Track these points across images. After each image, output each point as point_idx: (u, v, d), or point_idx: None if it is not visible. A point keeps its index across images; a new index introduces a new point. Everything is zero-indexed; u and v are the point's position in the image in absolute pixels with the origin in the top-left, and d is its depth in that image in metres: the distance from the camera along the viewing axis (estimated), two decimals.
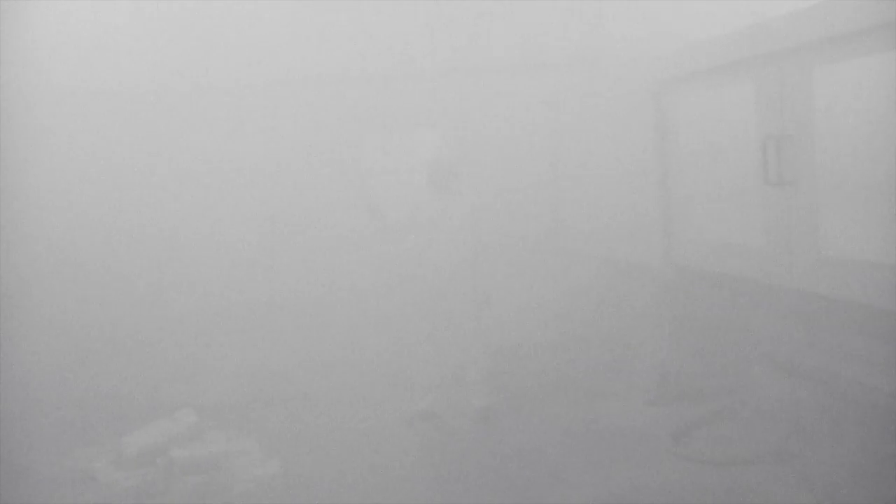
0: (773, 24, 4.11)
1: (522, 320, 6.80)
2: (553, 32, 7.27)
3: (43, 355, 6.17)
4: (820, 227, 3.83)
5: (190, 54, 6.87)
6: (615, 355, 6.24)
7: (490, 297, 5.72)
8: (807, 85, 3.86)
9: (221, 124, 6.93)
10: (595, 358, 6.37)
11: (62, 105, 6.52)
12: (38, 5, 6.42)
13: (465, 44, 7.19)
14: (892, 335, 3.47)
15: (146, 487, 4.35)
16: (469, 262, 5.63)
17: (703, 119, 4.78)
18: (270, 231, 6.88)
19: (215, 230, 6.87)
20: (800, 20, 3.86)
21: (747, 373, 4.74)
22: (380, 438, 5.09)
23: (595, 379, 5.97)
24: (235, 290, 6.71)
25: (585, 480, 4.14)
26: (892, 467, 3.47)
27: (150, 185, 6.86)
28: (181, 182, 6.91)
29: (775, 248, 4.15)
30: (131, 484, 4.41)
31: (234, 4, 6.92)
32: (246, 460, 4.69)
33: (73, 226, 6.62)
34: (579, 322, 6.79)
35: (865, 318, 3.63)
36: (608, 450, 4.55)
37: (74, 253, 6.58)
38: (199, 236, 6.85)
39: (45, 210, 6.51)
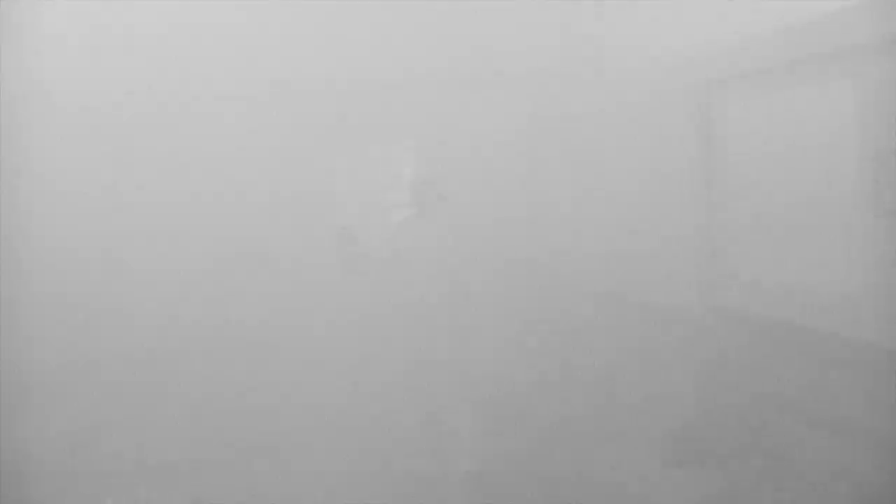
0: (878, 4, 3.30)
1: (514, 362, 5.94)
2: (547, 40, 6.45)
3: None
4: None
5: (146, 68, 6.09)
6: (626, 404, 5.38)
7: (473, 333, 4.93)
8: None
9: (183, 137, 6.14)
10: (601, 408, 5.50)
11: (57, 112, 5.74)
12: (38, 9, 5.68)
13: (451, 52, 6.39)
14: None
15: None
16: (453, 294, 4.84)
17: (759, 126, 3.96)
18: (229, 259, 6.04)
19: (166, 257, 6.04)
20: None
21: (786, 431, 3.92)
22: None
23: (602, 432, 5.11)
24: (187, 326, 5.86)
25: None
26: None
27: (112, 209, 6.05)
28: (140, 205, 6.09)
29: (836, 289, 3.31)
30: None
31: (200, 14, 6.14)
32: None
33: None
34: (583, 365, 5.93)
35: None
36: None
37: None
38: (148, 264, 6.03)
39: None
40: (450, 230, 4.92)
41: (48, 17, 5.86)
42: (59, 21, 5.88)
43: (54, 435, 4.85)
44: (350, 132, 6.51)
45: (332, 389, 6.00)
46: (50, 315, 5.58)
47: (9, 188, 5.65)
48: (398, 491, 4.51)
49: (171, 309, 5.96)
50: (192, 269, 6.02)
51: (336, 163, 6.48)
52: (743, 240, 4.06)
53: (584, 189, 5.30)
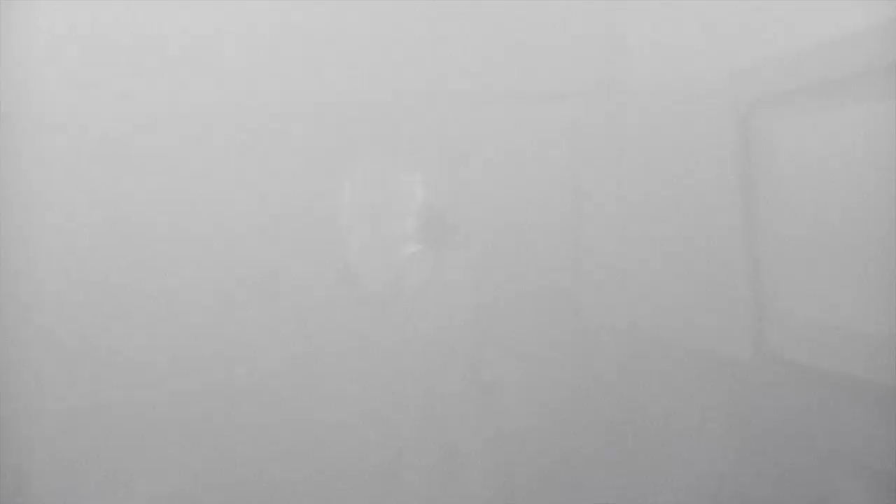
0: None
1: (535, 413, 5.41)
2: (567, 58, 5.94)
3: None
4: None
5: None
6: (650, 460, 4.86)
7: (494, 381, 4.40)
8: None
9: (171, 161, 5.61)
10: (623, 462, 4.98)
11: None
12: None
13: (462, 70, 5.89)
14: None
15: None
16: (468, 337, 4.32)
17: (803, 149, 3.46)
18: (221, 297, 5.49)
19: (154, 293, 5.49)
20: None
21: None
22: None
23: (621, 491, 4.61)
24: (176, 374, 5.29)
25: None
26: None
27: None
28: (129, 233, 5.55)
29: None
30: None
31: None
32: None
33: None
34: (608, 417, 5.40)
35: None
36: None
37: None
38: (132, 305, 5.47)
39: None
40: (464, 268, 4.38)
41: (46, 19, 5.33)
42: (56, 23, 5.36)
43: None
44: (349, 154, 5.98)
45: (337, 437, 5.45)
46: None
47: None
48: None
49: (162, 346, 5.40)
50: (178, 307, 5.48)
51: (335, 190, 5.95)
52: (794, 276, 3.55)
53: (618, 219, 4.77)
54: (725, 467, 4.23)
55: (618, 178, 4.85)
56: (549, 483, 4.97)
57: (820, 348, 3.40)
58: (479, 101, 5.95)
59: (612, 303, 5.07)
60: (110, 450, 5.16)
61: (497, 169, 5.91)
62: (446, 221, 4.50)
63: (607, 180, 5.00)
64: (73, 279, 5.27)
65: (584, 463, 5.15)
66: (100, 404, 5.06)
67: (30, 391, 4.94)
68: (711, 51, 4.22)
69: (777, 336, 3.61)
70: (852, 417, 3.33)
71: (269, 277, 5.56)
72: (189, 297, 5.53)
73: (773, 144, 3.64)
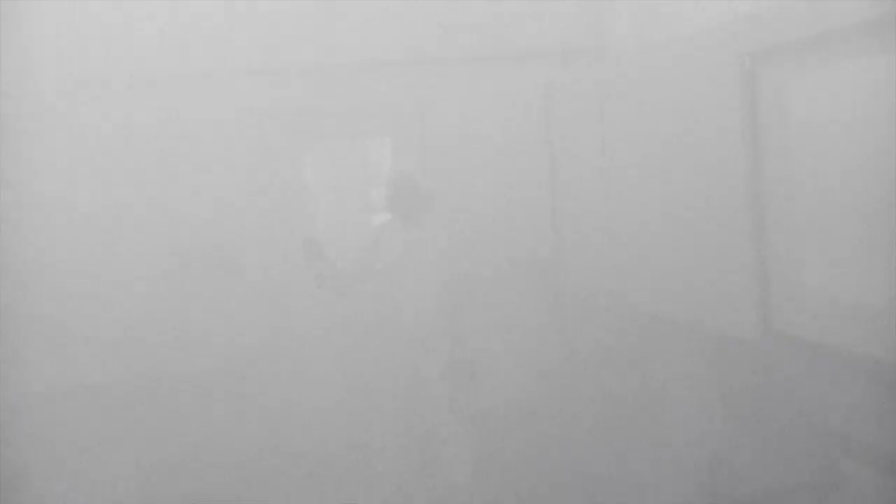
0: None
1: (516, 392, 5.11)
2: (548, 13, 5.53)
3: None
4: None
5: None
6: (642, 442, 4.61)
7: (474, 366, 4.08)
8: None
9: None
10: (613, 443, 4.72)
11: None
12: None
13: (433, 30, 5.47)
14: None
15: None
16: (444, 312, 4.00)
17: (828, 107, 3.11)
18: (179, 274, 5.08)
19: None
20: None
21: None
22: None
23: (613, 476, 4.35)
24: (135, 358, 4.88)
25: None
26: None
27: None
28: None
29: None
30: None
31: None
32: None
33: None
34: (615, 396, 5.11)
35: None
36: None
37: None
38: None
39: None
40: (438, 238, 4.03)
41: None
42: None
43: None
44: (323, 125, 5.56)
45: (310, 419, 5.11)
46: None
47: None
48: None
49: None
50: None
51: (300, 158, 5.53)
52: (802, 248, 3.22)
53: (611, 183, 4.41)
54: (723, 446, 3.96)
55: (603, 140, 4.50)
56: (532, 467, 4.69)
57: (830, 324, 3.10)
58: (453, 62, 5.54)
59: (597, 275, 4.73)
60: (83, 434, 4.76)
61: (472, 134, 5.54)
62: (419, 189, 4.14)
63: (591, 144, 4.65)
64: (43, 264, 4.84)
65: (570, 444, 4.89)
66: (72, 388, 4.63)
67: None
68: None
69: (785, 312, 3.29)
70: (861, 394, 3.04)
71: (232, 254, 5.16)
72: (148, 274, 5.13)
73: (781, 100, 3.30)
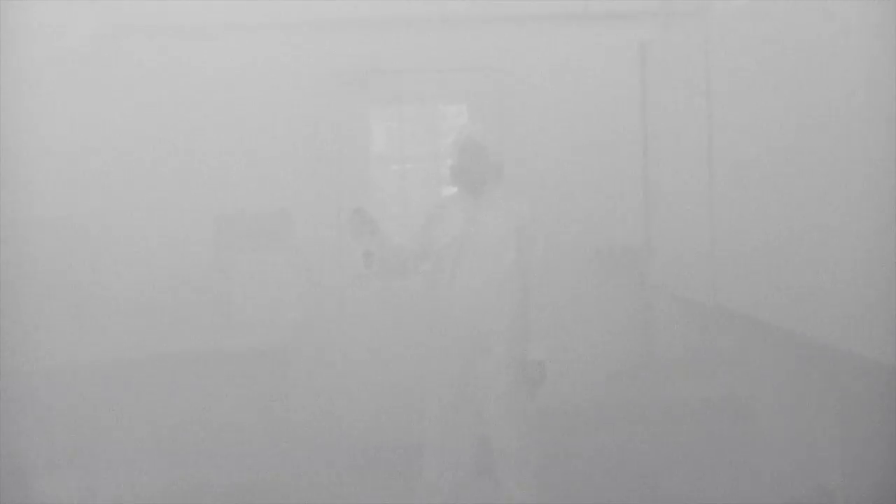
0: None
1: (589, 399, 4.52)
2: None
3: None
4: None
5: None
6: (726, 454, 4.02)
7: (544, 368, 3.46)
8: None
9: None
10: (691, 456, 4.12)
11: None
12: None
13: None
14: None
15: None
16: (512, 304, 3.48)
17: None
18: (220, 248, 4.60)
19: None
20: None
21: None
22: None
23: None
24: (164, 335, 4.42)
25: None
26: None
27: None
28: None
29: None
30: None
31: None
32: None
33: None
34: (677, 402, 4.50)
35: None
36: None
37: None
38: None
39: None
40: (509, 217, 3.46)
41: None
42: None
43: None
44: (385, 80, 4.98)
45: (348, 420, 4.60)
46: None
47: None
48: None
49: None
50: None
51: (364, 120, 4.97)
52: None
53: (716, 162, 3.66)
54: (824, 470, 3.30)
55: (707, 112, 3.76)
56: (596, 479, 4.15)
57: None
58: (536, 20, 4.91)
59: (693, 271, 4.04)
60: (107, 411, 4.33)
61: (556, 102, 4.89)
62: (487, 158, 3.54)
63: (692, 115, 3.93)
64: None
65: (639, 454, 4.39)
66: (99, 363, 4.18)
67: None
68: None
69: None
70: None
71: (280, 225, 4.66)
72: (186, 243, 4.67)
73: None
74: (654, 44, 4.47)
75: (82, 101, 4.46)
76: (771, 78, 3.16)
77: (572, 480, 4.12)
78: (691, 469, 4.11)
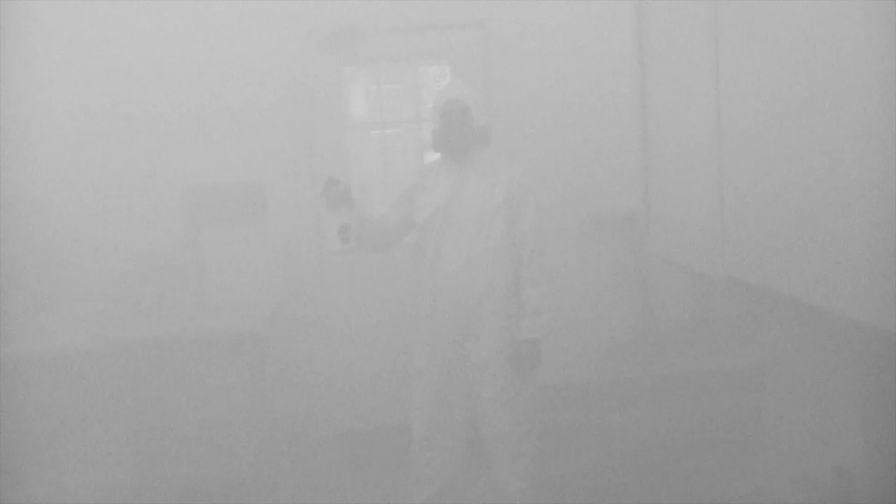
0: None
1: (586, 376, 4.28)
2: None
3: None
4: None
5: None
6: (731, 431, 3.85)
7: (539, 348, 3.17)
8: None
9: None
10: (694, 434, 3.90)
11: None
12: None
13: None
14: None
15: None
16: (503, 280, 3.23)
17: None
18: (188, 224, 4.28)
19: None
20: None
21: None
22: None
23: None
24: (127, 323, 4.11)
25: None
26: None
27: None
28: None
29: None
30: None
31: None
32: None
33: None
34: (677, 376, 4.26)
35: None
36: None
37: None
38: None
39: None
40: (498, 185, 3.18)
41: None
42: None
43: None
44: (360, 39, 4.63)
45: (327, 406, 4.32)
46: None
47: None
48: None
49: None
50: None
51: (338, 81, 4.63)
52: None
53: (720, 124, 3.35)
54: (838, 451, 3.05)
55: (715, 68, 3.42)
56: (595, 461, 3.95)
57: None
58: None
59: (694, 238, 3.74)
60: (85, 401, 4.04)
61: (545, 60, 4.56)
62: (472, 121, 3.22)
63: (697, 73, 3.60)
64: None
65: (639, 433, 4.15)
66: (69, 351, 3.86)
67: None
68: None
69: None
70: None
71: (252, 197, 4.34)
72: (156, 219, 4.36)
73: None
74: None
75: (35, 69, 4.12)
76: (785, 25, 2.84)
77: (570, 465, 3.89)
78: (696, 449, 3.94)
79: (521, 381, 3.29)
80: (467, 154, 3.28)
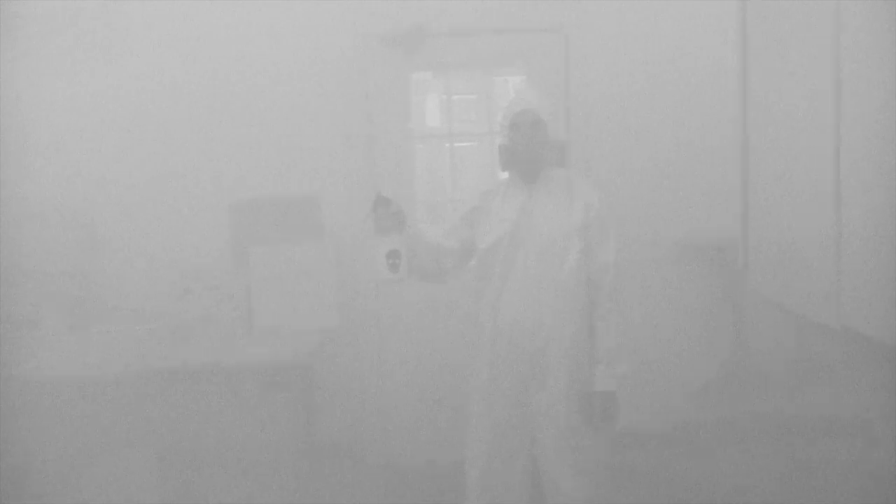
0: None
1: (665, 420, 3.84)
2: None
3: None
4: None
5: None
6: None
7: (616, 398, 2.77)
8: None
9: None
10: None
11: None
12: None
13: None
14: None
15: None
16: (577, 316, 2.83)
17: None
18: (236, 242, 3.99)
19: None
20: None
21: None
22: None
23: None
24: (170, 348, 3.82)
25: None
26: None
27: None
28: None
29: None
30: None
31: None
32: None
33: None
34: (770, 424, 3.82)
35: None
36: None
37: None
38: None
39: None
40: (578, 207, 2.81)
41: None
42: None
43: None
44: (433, 45, 4.27)
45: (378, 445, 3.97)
46: None
47: None
48: None
49: None
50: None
51: (407, 90, 4.28)
52: None
53: (836, 142, 2.84)
54: None
55: (835, 82, 2.92)
56: None
57: None
58: None
59: (796, 275, 3.26)
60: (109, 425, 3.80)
61: (632, 70, 4.12)
62: (549, 138, 2.84)
63: (813, 85, 3.10)
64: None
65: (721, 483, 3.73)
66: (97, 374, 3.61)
67: None
68: None
69: None
70: None
71: (300, 212, 4.03)
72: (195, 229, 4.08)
73: None
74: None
75: (74, 72, 3.89)
76: None
77: None
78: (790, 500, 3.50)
79: (592, 435, 2.88)
80: (539, 174, 2.89)
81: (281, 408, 3.70)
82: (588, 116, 4.07)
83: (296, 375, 3.52)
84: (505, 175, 3.03)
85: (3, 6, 3.76)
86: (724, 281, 4.11)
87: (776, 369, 4.15)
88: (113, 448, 3.63)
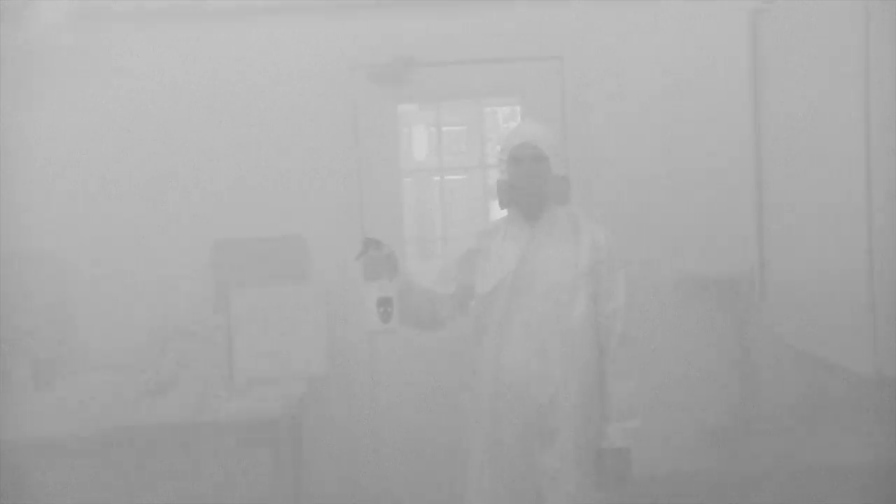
0: None
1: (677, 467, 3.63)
2: None
3: None
4: None
5: None
6: None
7: (629, 455, 2.52)
8: None
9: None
10: None
11: None
12: None
13: None
14: None
15: None
16: (583, 363, 2.60)
17: None
18: (219, 283, 3.76)
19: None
20: None
21: None
22: None
23: None
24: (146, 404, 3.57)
25: None
26: None
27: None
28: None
29: None
30: None
31: None
32: None
33: None
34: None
35: None
36: None
37: None
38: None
39: None
40: (581, 248, 2.55)
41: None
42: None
43: None
44: (418, 74, 4.06)
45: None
46: None
47: None
48: None
49: None
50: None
51: (393, 123, 4.07)
52: None
53: (863, 168, 2.63)
54: None
55: (861, 104, 2.72)
56: None
57: None
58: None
59: (814, 310, 3.05)
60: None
61: (634, 92, 3.93)
62: (551, 173, 2.62)
63: (829, 105, 2.91)
64: None
65: None
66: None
67: None
68: None
69: None
70: None
71: (286, 251, 3.81)
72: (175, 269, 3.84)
73: None
74: (771, 12, 3.42)
75: (48, 114, 3.68)
76: None
77: None
78: None
79: (602, 493, 2.63)
80: (542, 212, 2.67)
81: (265, 464, 3.46)
82: (585, 149, 3.88)
83: (281, 429, 3.25)
84: (503, 213, 2.81)
85: None
86: (736, 315, 3.91)
87: (789, 413, 3.98)
88: None
